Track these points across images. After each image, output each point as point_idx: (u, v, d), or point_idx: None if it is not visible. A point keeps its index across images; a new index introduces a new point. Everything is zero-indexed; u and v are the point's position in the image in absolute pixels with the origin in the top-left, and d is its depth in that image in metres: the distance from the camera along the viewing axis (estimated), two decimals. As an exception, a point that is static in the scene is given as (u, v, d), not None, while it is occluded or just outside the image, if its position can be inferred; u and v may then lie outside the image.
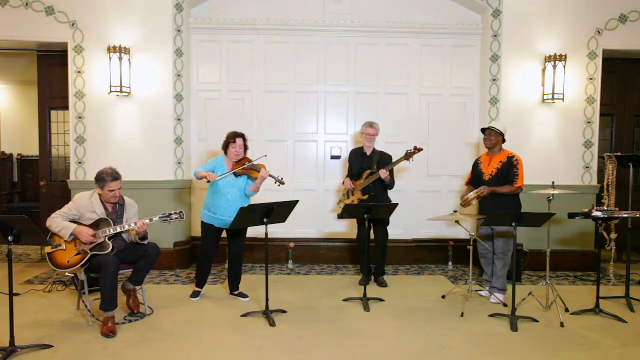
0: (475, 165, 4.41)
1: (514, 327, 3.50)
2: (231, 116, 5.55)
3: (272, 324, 3.56)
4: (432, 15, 5.56)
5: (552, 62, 5.12)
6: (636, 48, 5.29)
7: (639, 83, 5.89)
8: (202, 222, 4.17)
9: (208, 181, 3.96)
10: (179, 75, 5.25)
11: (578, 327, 3.58)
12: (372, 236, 4.81)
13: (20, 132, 7.92)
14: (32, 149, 7.64)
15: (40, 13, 5.06)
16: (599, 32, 5.25)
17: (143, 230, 3.62)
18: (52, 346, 3.13)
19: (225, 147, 4.11)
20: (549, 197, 4.01)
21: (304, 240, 5.62)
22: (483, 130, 4.31)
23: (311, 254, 5.61)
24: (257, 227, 3.93)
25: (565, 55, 5.12)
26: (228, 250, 4.24)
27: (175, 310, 3.88)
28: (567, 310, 3.93)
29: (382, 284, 4.69)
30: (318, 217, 5.67)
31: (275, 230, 5.30)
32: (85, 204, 3.61)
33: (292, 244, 5.45)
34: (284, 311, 3.85)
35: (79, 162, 5.19)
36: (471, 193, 4.11)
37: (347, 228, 5.67)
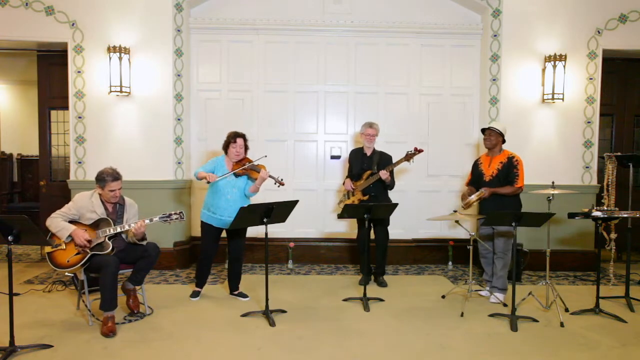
0: (476, 165, 4.41)
1: (514, 327, 3.50)
2: (231, 116, 5.55)
3: (272, 324, 3.56)
4: (432, 15, 5.56)
5: (552, 62, 5.12)
6: (636, 48, 5.29)
7: (639, 83, 5.89)
8: (202, 222, 4.17)
9: (208, 182, 3.96)
10: (179, 75, 5.25)
11: (578, 327, 3.58)
12: (372, 236, 4.82)
13: (20, 132, 7.92)
14: (32, 149, 7.64)
15: (40, 13, 5.06)
16: (599, 32, 5.25)
17: (141, 232, 3.61)
18: (52, 346, 3.13)
19: (226, 147, 4.11)
20: (549, 197, 4.01)
21: (304, 240, 5.62)
22: (483, 130, 4.31)
23: (311, 254, 5.61)
24: (257, 227, 3.93)
25: (565, 55, 5.12)
26: (228, 250, 4.24)
27: (175, 310, 3.88)
28: (567, 310, 3.93)
29: (382, 284, 4.69)
30: (318, 217, 5.67)
31: (275, 230, 5.30)
32: (86, 204, 3.61)
33: (292, 244, 5.45)
34: (284, 311, 3.85)
35: (79, 162, 5.19)
36: (473, 196, 4.11)
37: (347, 228, 5.67)
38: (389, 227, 4.78)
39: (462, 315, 3.81)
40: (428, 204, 5.62)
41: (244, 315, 3.77)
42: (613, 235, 4.59)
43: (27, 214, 3.07)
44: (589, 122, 5.30)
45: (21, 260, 5.67)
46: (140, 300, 3.84)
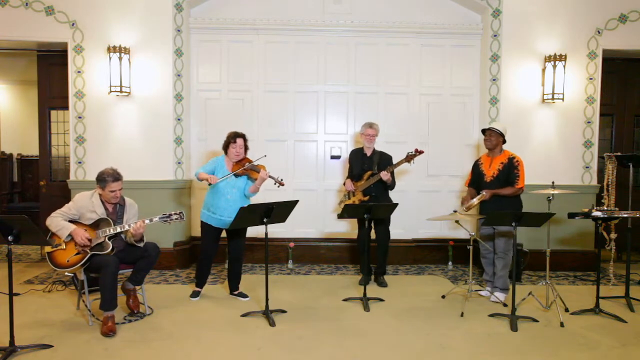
0: (476, 166, 4.41)
1: (514, 327, 3.50)
2: (231, 116, 5.55)
3: (272, 324, 3.56)
4: (432, 15, 5.56)
5: (552, 62, 5.12)
6: (636, 48, 5.29)
7: (639, 83, 5.89)
8: (202, 222, 4.17)
9: (210, 184, 3.96)
10: (179, 75, 5.25)
11: (578, 327, 3.58)
12: (373, 236, 4.82)
13: (20, 132, 7.92)
14: (32, 149, 7.64)
15: (40, 13, 5.06)
16: (599, 32, 5.25)
17: (140, 233, 3.60)
18: (52, 346, 3.13)
19: (226, 147, 4.11)
20: (549, 197, 4.02)
21: (304, 240, 5.62)
22: (484, 131, 4.31)
23: (311, 254, 5.61)
24: (257, 227, 3.93)
25: (565, 55, 5.12)
26: (228, 250, 4.24)
27: (175, 310, 3.88)
28: (567, 310, 3.93)
29: (382, 284, 4.69)
30: (318, 217, 5.67)
31: (275, 230, 5.30)
32: (86, 203, 3.61)
33: (292, 244, 5.45)
34: (284, 311, 3.85)
35: (79, 162, 5.19)
36: (474, 199, 4.11)
37: (347, 228, 5.67)
38: (389, 227, 4.78)
39: (462, 315, 3.81)
40: (428, 204, 5.62)
41: (244, 315, 3.77)
42: (613, 235, 4.59)
43: (27, 214, 3.07)
44: (589, 122, 5.30)
45: (21, 260, 5.67)
46: (140, 300, 3.84)
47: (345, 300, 4.19)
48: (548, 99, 5.19)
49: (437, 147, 5.63)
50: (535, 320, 3.68)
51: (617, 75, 5.80)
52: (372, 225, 4.76)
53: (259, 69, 5.59)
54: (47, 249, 3.55)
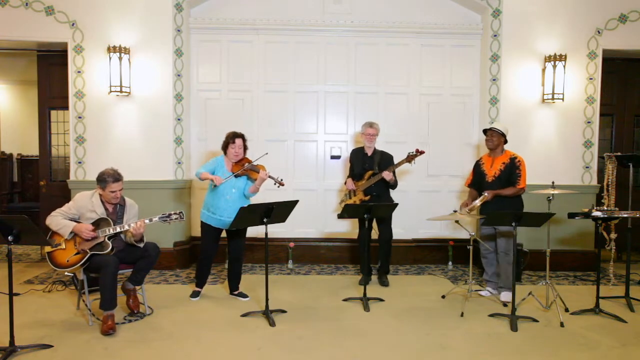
0: (477, 166, 4.41)
1: (514, 327, 3.50)
2: (231, 116, 5.55)
3: (272, 324, 3.56)
4: (432, 15, 5.56)
5: (552, 62, 5.12)
6: (636, 48, 5.29)
7: (639, 83, 5.89)
8: (202, 222, 4.17)
9: (215, 185, 3.96)
10: (179, 75, 5.25)
11: (578, 327, 3.58)
12: (374, 236, 4.82)
13: (20, 132, 7.92)
14: (32, 149, 7.63)
15: (40, 13, 5.06)
16: (599, 32, 5.25)
17: (139, 233, 3.60)
18: (52, 346, 3.13)
19: (225, 147, 4.11)
20: (549, 197, 4.02)
21: (304, 240, 5.62)
22: (485, 131, 4.31)
23: (311, 254, 5.61)
24: (257, 227, 3.93)
25: (565, 55, 5.12)
26: (228, 250, 4.24)
27: (175, 310, 3.88)
28: (567, 310, 3.93)
29: (385, 283, 4.69)
30: (318, 217, 5.67)
31: (275, 230, 5.30)
32: (86, 203, 3.61)
33: (292, 244, 5.45)
34: (284, 311, 3.85)
35: (79, 162, 5.19)
36: (477, 201, 4.11)
37: (347, 228, 5.67)
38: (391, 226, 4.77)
39: (462, 315, 3.81)
40: (428, 204, 5.62)
41: (244, 315, 3.77)
42: (613, 235, 4.59)
43: (27, 214, 3.07)
44: (589, 122, 5.30)
45: (21, 260, 5.67)
46: (140, 300, 3.84)
47: (345, 300, 4.19)
48: (548, 99, 5.19)
49: (437, 147, 5.63)
50: (535, 320, 3.68)
51: (617, 75, 5.79)
52: (374, 224, 4.77)
53: (259, 69, 5.59)
54: (47, 248, 3.55)
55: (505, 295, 4.14)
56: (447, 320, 3.73)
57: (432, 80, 5.65)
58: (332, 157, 5.68)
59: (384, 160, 4.65)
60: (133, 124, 5.18)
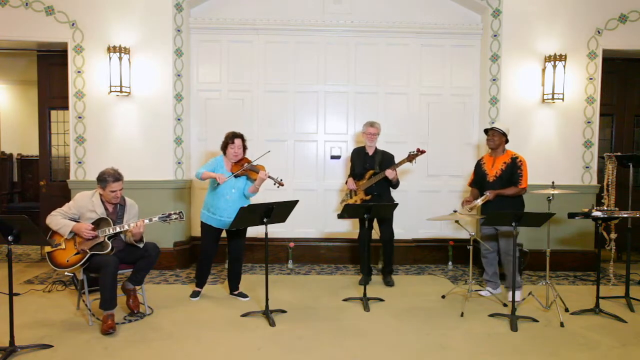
0: (479, 166, 4.41)
1: (514, 327, 3.50)
2: (231, 116, 5.55)
3: (272, 324, 3.56)
4: (432, 15, 5.56)
5: (552, 62, 5.12)
6: (636, 48, 5.29)
7: (639, 83, 5.89)
8: (202, 223, 4.17)
9: (217, 184, 3.96)
10: (179, 75, 5.25)
11: (578, 327, 3.58)
12: (374, 236, 4.82)
13: (20, 132, 7.92)
14: (32, 149, 7.64)
15: (40, 13, 5.06)
16: (599, 32, 5.25)
17: (139, 233, 3.60)
18: (52, 346, 3.13)
19: (224, 148, 4.11)
20: (549, 197, 4.02)
21: (304, 240, 5.62)
22: (486, 131, 4.32)
23: (311, 254, 5.61)
24: (257, 227, 3.93)
25: (565, 55, 5.12)
26: (228, 250, 4.24)
27: (175, 310, 3.88)
28: (567, 310, 3.93)
29: (390, 283, 4.69)
30: (318, 217, 5.67)
31: (275, 230, 5.30)
32: (86, 203, 3.61)
33: (292, 244, 5.45)
34: (284, 311, 3.85)
35: (79, 162, 5.19)
36: (478, 200, 4.11)
37: (347, 228, 5.67)
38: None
39: (462, 315, 3.82)
40: (428, 204, 5.62)
41: (244, 315, 3.77)
42: (613, 235, 4.59)
43: (27, 214, 3.07)
44: (589, 122, 5.30)
45: (21, 260, 5.67)
46: (140, 300, 3.84)
47: (345, 300, 4.19)
48: (548, 99, 5.19)
49: (437, 147, 5.63)
50: (535, 320, 3.68)
51: (617, 75, 5.79)
52: (375, 224, 4.77)
53: (259, 69, 5.59)
54: (47, 248, 3.55)
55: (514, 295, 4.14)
56: (447, 320, 3.73)
57: (432, 80, 5.65)
58: (332, 157, 5.68)
59: (385, 160, 4.65)
60: (133, 124, 5.18)
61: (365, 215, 4.03)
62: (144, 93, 5.16)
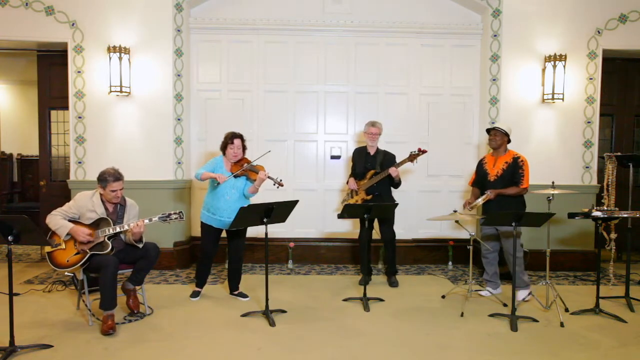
0: (480, 165, 4.41)
1: (514, 327, 3.50)
2: (231, 116, 5.55)
3: (272, 324, 3.56)
4: (432, 15, 5.56)
5: (552, 62, 5.12)
6: (636, 48, 5.29)
7: (639, 83, 5.89)
8: (202, 223, 4.17)
9: (217, 184, 3.96)
10: (179, 75, 5.25)
11: (578, 327, 3.58)
12: (375, 236, 4.82)
13: (20, 132, 7.92)
14: (32, 149, 7.64)
15: (40, 13, 5.06)
16: (599, 32, 5.25)
17: (139, 232, 3.60)
18: (52, 346, 3.13)
19: (224, 148, 4.11)
20: (549, 197, 4.02)
21: (304, 240, 5.62)
22: (488, 130, 4.32)
23: (311, 254, 5.61)
24: (257, 227, 3.93)
25: (565, 55, 5.12)
26: (228, 250, 4.24)
27: (175, 310, 3.88)
28: (567, 310, 3.93)
29: (394, 283, 4.68)
30: (318, 217, 5.67)
31: (275, 230, 5.30)
32: (86, 203, 3.61)
33: (292, 244, 5.45)
34: (284, 311, 3.85)
35: (79, 162, 5.19)
36: (479, 199, 4.11)
37: (347, 228, 5.67)
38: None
39: (462, 315, 3.82)
40: (428, 204, 5.62)
41: (244, 315, 3.77)
42: (613, 235, 4.59)
43: (27, 214, 3.07)
44: (589, 122, 5.30)
45: (21, 260, 5.67)
46: (140, 300, 3.84)
47: (345, 300, 4.19)
48: (548, 99, 5.19)
49: (437, 147, 5.62)
50: (535, 320, 3.68)
51: (617, 75, 5.80)
52: (376, 224, 4.77)
53: (259, 69, 5.59)
54: (47, 248, 3.55)
55: (522, 294, 4.15)
56: (447, 320, 3.73)
57: (432, 80, 5.65)
58: (332, 157, 5.68)
59: (387, 160, 4.65)
60: (133, 124, 5.18)
61: (365, 215, 4.03)
62: (144, 93, 5.16)
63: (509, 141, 4.26)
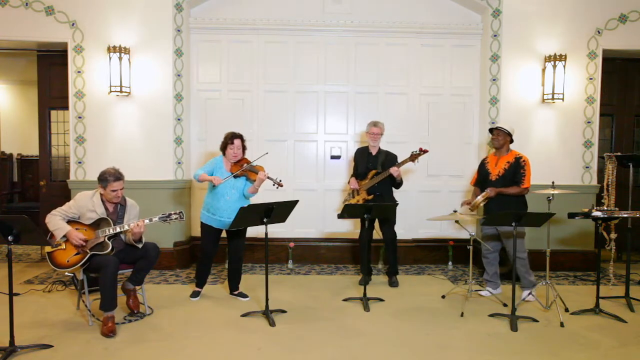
0: (482, 165, 4.42)
1: (514, 327, 3.50)
2: (231, 116, 5.55)
3: (272, 324, 3.56)
4: (432, 15, 5.56)
5: (552, 62, 5.12)
6: (636, 48, 5.29)
7: (639, 83, 5.89)
8: (202, 223, 4.16)
9: (214, 185, 3.96)
10: (179, 75, 5.25)
11: (578, 327, 3.58)
12: (376, 237, 4.82)
13: (20, 132, 7.92)
14: (32, 149, 7.64)
15: (40, 13, 5.06)
16: (599, 32, 5.24)
17: (139, 233, 3.59)
18: (52, 346, 3.13)
19: (224, 148, 4.11)
20: (549, 197, 4.02)
21: (304, 240, 5.62)
22: (491, 130, 4.33)
23: (311, 254, 5.61)
24: (257, 227, 3.93)
25: (565, 55, 5.12)
26: (228, 250, 4.24)
27: (175, 310, 3.88)
28: (567, 310, 3.93)
29: (395, 283, 4.68)
30: (318, 217, 5.67)
31: (275, 230, 5.30)
32: (86, 203, 3.61)
33: (292, 244, 5.45)
34: (284, 311, 3.85)
35: (79, 162, 5.19)
36: (479, 197, 4.11)
37: (347, 228, 5.67)
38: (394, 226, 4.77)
39: (462, 315, 3.82)
40: (428, 204, 5.62)
41: (244, 315, 3.77)
42: (613, 235, 4.60)
43: (27, 214, 3.07)
44: (589, 122, 5.30)
45: (21, 260, 5.67)
46: (140, 300, 3.84)
47: (345, 300, 4.19)
48: (548, 99, 5.19)
49: (437, 147, 5.62)
50: (535, 320, 3.68)
51: (617, 75, 5.79)
52: (377, 224, 4.77)
53: (259, 69, 5.59)
54: (47, 249, 3.55)
55: (527, 293, 4.16)
56: (447, 320, 3.73)
57: (432, 80, 5.65)
58: (332, 157, 5.68)
59: (388, 160, 4.65)
60: (133, 124, 5.18)
61: (365, 215, 4.03)
62: (144, 93, 5.16)
63: (511, 141, 4.27)
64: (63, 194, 5.39)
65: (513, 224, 3.57)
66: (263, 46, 5.58)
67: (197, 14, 5.50)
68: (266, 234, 3.72)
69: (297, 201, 3.79)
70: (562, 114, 5.29)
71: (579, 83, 5.26)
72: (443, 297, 4.30)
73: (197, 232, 4.89)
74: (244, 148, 4.13)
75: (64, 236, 3.50)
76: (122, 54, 4.98)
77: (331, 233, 5.68)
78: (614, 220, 4.47)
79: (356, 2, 5.54)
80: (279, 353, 3.12)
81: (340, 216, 4.37)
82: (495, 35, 5.30)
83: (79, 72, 5.11)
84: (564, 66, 5.10)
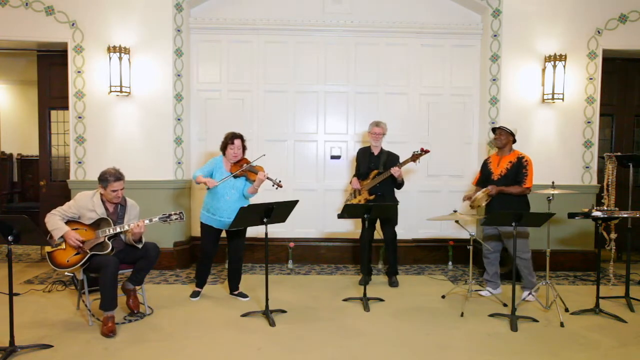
0: (485, 165, 4.42)
1: (514, 327, 3.50)
2: (231, 116, 5.55)
3: (272, 324, 3.56)
4: (432, 15, 5.56)
5: (552, 62, 5.12)
6: (636, 48, 5.29)
7: (639, 83, 5.89)
8: (202, 223, 4.17)
9: (208, 188, 3.96)
10: (179, 75, 5.25)
11: (578, 327, 3.58)
12: (377, 237, 4.82)
13: (20, 132, 7.92)
14: (32, 149, 7.64)
15: (40, 13, 5.06)
16: (599, 32, 5.24)
17: (139, 233, 3.59)
18: (52, 346, 3.13)
19: (224, 148, 4.11)
20: (549, 197, 4.02)
21: (304, 240, 5.62)
22: (494, 130, 4.34)
23: (311, 254, 5.61)
24: (257, 227, 3.93)
25: (565, 55, 5.12)
26: (228, 250, 4.24)
27: (175, 310, 3.88)
28: (567, 310, 3.93)
29: (394, 283, 4.68)
30: (318, 217, 5.67)
31: (275, 230, 5.30)
32: (86, 203, 3.61)
33: (292, 244, 5.45)
34: (284, 311, 3.85)
35: (79, 162, 5.19)
36: (479, 192, 4.11)
37: (347, 228, 5.67)
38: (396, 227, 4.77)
39: (462, 315, 3.82)
40: (428, 204, 5.62)
41: (244, 315, 3.77)
42: (613, 235, 4.60)
43: (27, 214, 3.07)
44: (589, 122, 5.30)
45: (21, 260, 5.67)
46: (140, 300, 3.84)
47: (345, 300, 4.19)
48: (548, 99, 5.19)
49: (437, 147, 5.62)
50: (535, 320, 3.68)
51: (617, 75, 5.80)
52: (377, 224, 4.77)
53: (259, 69, 5.59)
54: (47, 248, 3.55)
55: (525, 294, 4.17)
56: (447, 320, 3.73)
57: (432, 80, 5.65)
58: (332, 157, 5.68)
59: (390, 160, 4.65)
60: (133, 124, 5.18)
61: (365, 215, 4.02)
62: (144, 93, 5.16)
63: (514, 141, 4.27)
64: (63, 194, 5.39)
65: (513, 224, 3.57)
66: (263, 46, 5.58)
67: (197, 14, 5.50)
68: (266, 234, 3.72)
69: (297, 201, 3.80)
70: (562, 114, 5.29)
71: (579, 83, 5.26)
72: (443, 297, 4.30)
73: (197, 232, 4.89)
74: (244, 148, 4.13)
75: (62, 237, 3.50)
76: (122, 54, 4.98)
77: (331, 233, 5.68)
78: (614, 220, 4.47)
79: (356, 2, 5.54)
80: (279, 353, 3.12)
81: (340, 216, 4.37)
82: (495, 35, 5.30)
83: (79, 72, 5.11)
84: (564, 66, 5.10)
